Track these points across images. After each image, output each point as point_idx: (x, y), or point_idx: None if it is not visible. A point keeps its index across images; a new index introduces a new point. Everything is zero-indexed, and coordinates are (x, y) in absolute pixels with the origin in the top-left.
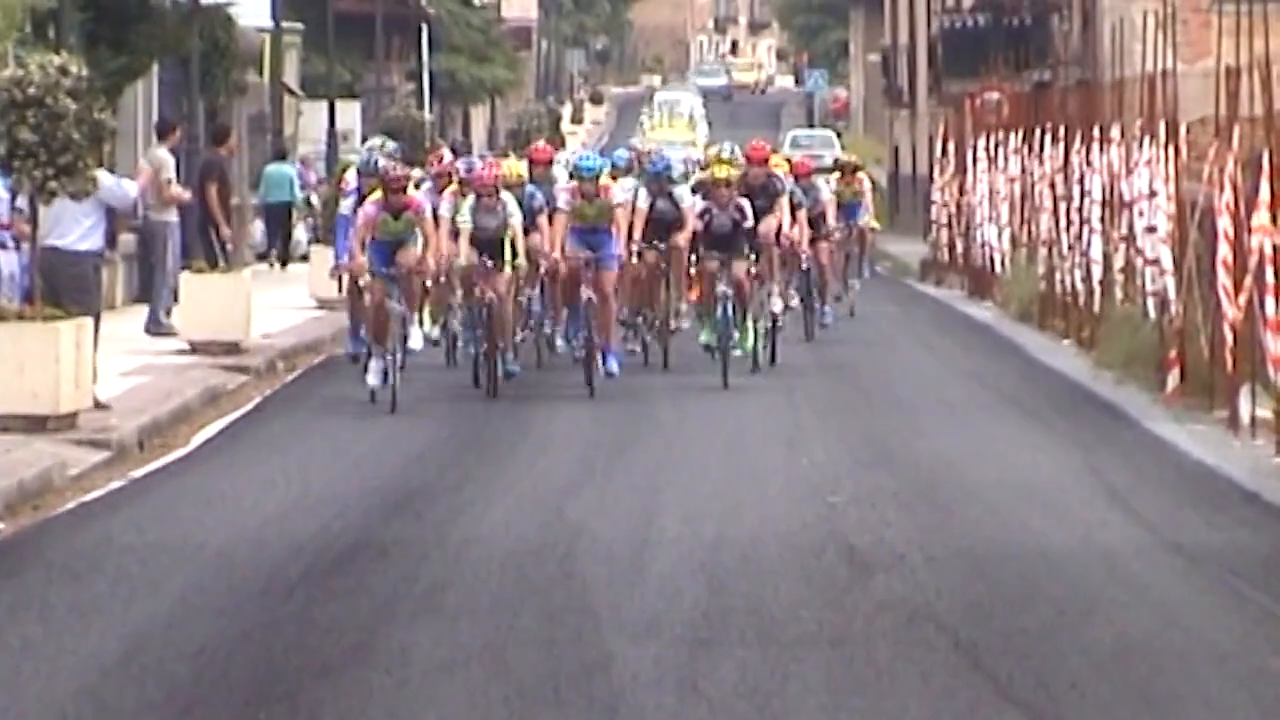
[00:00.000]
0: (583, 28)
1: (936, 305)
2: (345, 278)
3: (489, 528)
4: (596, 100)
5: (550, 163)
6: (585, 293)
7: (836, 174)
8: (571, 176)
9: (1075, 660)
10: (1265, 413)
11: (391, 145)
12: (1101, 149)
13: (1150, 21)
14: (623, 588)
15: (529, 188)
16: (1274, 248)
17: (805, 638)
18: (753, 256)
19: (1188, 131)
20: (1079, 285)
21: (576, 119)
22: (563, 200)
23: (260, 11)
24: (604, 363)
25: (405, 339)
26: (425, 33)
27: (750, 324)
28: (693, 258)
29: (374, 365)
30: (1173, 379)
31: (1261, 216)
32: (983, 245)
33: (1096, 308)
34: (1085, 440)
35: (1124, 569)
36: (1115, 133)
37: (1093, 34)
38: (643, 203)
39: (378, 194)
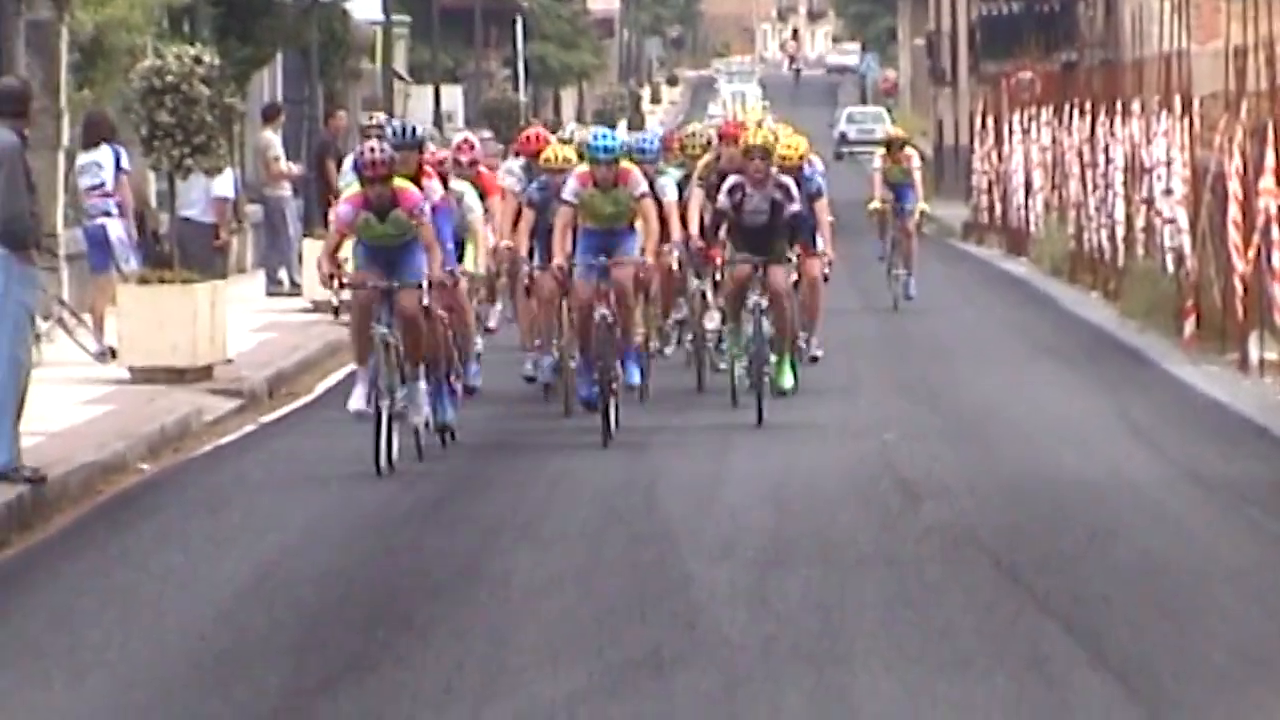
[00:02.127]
0: (659, 18)
1: (977, 262)
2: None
3: (579, 463)
4: (672, 83)
5: (538, 155)
6: (599, 310)
7: (883, 150)
8: (582, 159)
9: (1104, 578)
10: (1272, 355)
11: (381, 116)
12: (1123, 121)
13: (1166, 6)
14: (699, 517)
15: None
16: (1279, 208)
17: (862, 558)
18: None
19: (1200, 105)
20: (1105, 243)
21: (655, 99)
22: (569, 190)
23: (371, 5)
24: (623, 370)
25: (404, 396)
26: (520, 23)
27: (790, 355)
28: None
29: (357, 388)
30: (1189, 326)
31: (1267, 181)
32: (1018, 208)
33: (1120, 263)
34: (1111, 382)
35: (1147, 497)
36: (1136, 107)
37: (1115, 19)
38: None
39: (354, 187)
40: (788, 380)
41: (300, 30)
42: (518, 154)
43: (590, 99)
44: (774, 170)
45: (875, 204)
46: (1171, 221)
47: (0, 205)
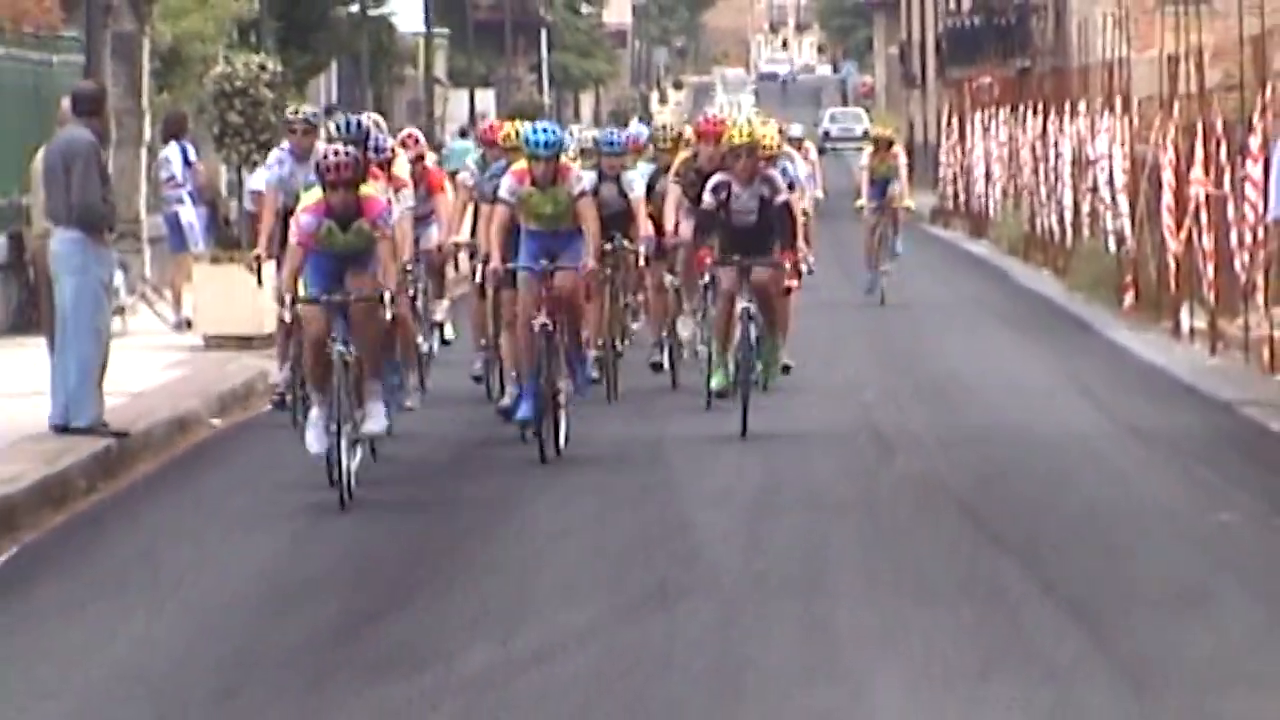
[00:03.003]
0: (666, 30)
1: (943, 244)
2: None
3: (596, 425)
4: (678, 86)
5: (494, 144)
6: (537, 320)
7: (870, 148)
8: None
9: (1055, 520)
10: (1200, 323)
11: (308, 109)
12: (1071, 120)
13: (1108, 20)
14: (697, 470)
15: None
16: (1206, 196)
17: (843, 505)
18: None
19: (1138, 106)
20: (1055, 226)
21: (662, 101)
22: (505, 188)
23: (415, 19)
24: (577, 377)
25: (362, 416)
26: (544, 34)
27: (776, 352)
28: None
29: (312, 419)
30: (1128, 298)
31: (1197, 172)
32: (979, 196)
33: (1068, 243)
34: (1060, 347)
35: (1092, 448)
36: (1081, 107)
37: (1063, 30)
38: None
39: (315, 194)
40: (776, 373)
41: (352, 41)
42: (478, 144)
43: (605, 101)
44: (761, 165)
45: (862, 201)
46: (1113, 207)
47: (76, 193)
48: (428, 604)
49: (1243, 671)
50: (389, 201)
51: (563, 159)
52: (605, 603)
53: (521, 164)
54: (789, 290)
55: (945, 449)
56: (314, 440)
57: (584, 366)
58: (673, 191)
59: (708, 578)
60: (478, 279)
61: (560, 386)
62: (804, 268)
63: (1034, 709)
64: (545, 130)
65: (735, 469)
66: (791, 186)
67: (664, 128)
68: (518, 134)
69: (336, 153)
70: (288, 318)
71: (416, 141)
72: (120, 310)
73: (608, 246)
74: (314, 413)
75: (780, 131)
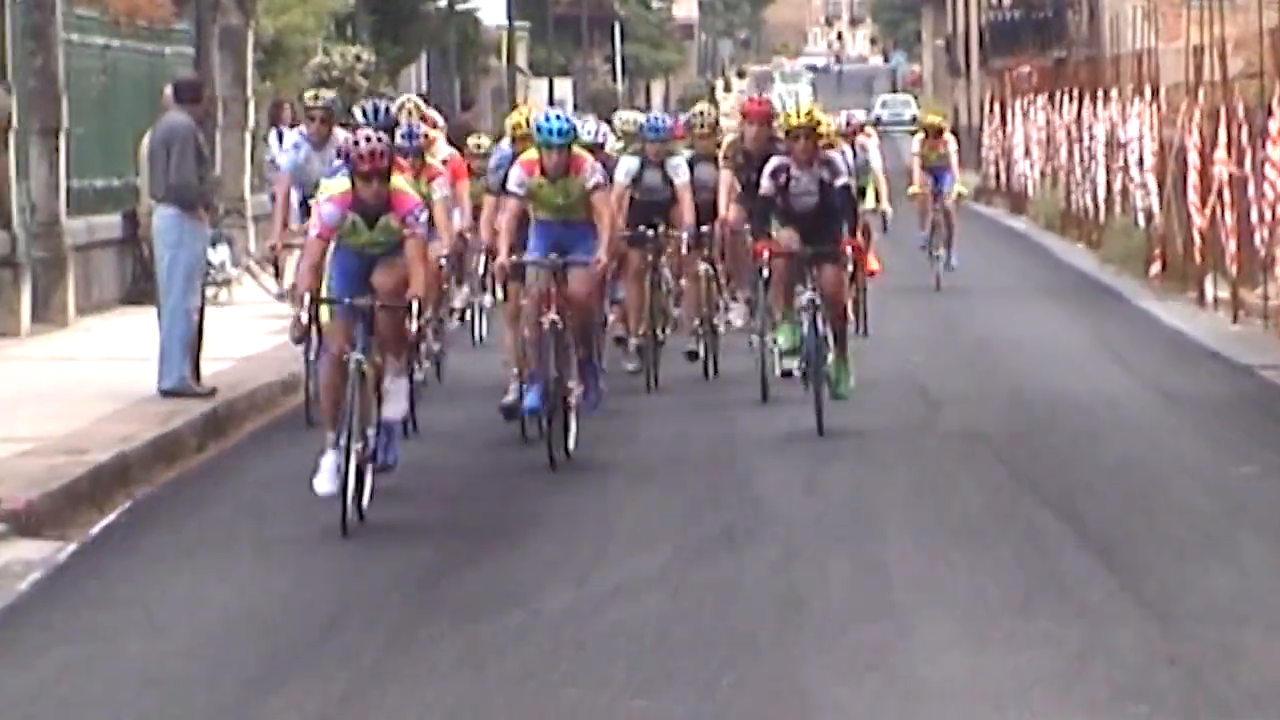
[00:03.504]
0: (730, 23)
1: (986, 220)
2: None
3: (674, 366)
4: (741, 76)
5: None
6: (547, 317)
7: (921, 135)
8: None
9: (1087, 473)
10: (1223, 293)
11: (327, 95)
12: (1104, 106)
13: (1138, 13)
14: (759, 422)
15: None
16: (1228, 175)
17: (893, 454)
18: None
19: (1165, 93)
20: (1088, 203)
21: (726, 89)
22: (514, 179)
23: (498, 12)
24: (590, 391)
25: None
26: (617, 27)
27: (848, 359)
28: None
29: (325, 463)
30: (1156, 269)
31: (1220, 154)
32: (1019, 176)
33: (1101, 219)
34: (1093, 314)
35: (1121, 407)
36: (1113, 94)
37: (1097, 23)
38: (623, 175)
39: (342, 183)
40: (850, 384)
41: (440, 33)
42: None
43: (674, 89)
44: (819, 148)
45: (915, 188)
46: (1143, 186)
47: (174, 174)
48: (511, 551)
49: (1261, 610)
50: (420, 199)
51: (576, 150)
52: (675, 546)
53: (531, 153)
54: (869, 273)
55: (986, 406)
56: (325, 480)
57: (597, 380)
58: (725, 176)
59: (771, 522)
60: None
61: (570, 387)
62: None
63: (1067, 643)
64: (558, 118)
65: (793, 422)
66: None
67: (700, 113)
68: (527, 122)
69: (369, 139)
70: (305, 318)
71: (434, 125)
72: (226, 282)
73: (649, 233)
74: (329, 455)
75: (848, 123)
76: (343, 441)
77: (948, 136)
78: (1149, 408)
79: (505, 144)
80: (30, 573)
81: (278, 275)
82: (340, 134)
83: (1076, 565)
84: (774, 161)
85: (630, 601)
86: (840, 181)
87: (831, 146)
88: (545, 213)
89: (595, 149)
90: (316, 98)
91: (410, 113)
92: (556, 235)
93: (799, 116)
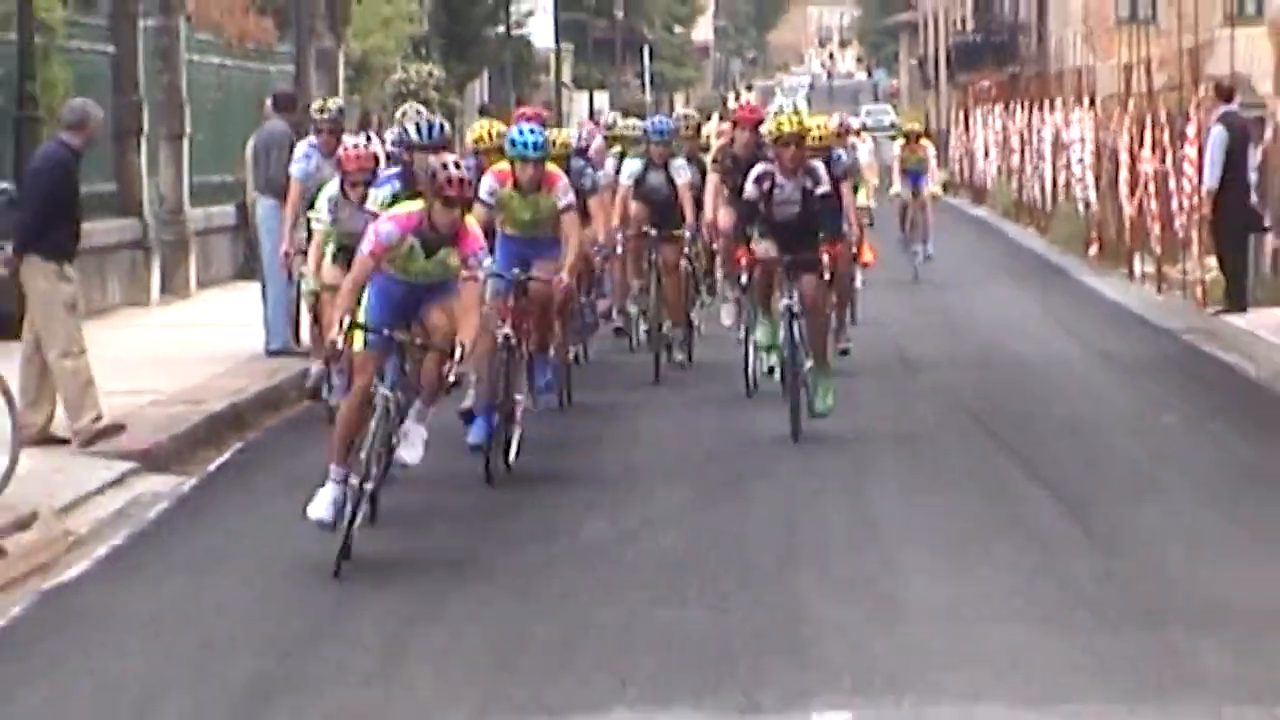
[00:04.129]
0: (740, 45)
1: (953, 209)
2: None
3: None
4: (749, 89)
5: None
6: (501, 330)
7: (901, 140)
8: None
9: (1040, 423)
10: (1150, 269)
11: (334, 107)
12: (1050, 113)
13: (1078, 37)
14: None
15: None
16: (1153, 171)
17: (877, 413)
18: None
19: (1101, 103)
20: (1038, 195)
21: (736, 100)
22: (485, 188)
23: (547, 37)
24: (536, 384)
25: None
26: (646, 49)
27: (828, 375)
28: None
29: (324, 494)
30: (1094, 250)
31: (1146, 153)
32: (980, 172)
33: (1049, 208)
34: (1042, 288)
35: (1067, 367)
36: (1058, 103)
37: (1044, 44)
38: (627, 178)
39: (411, 204)
40: (828, 401)
41: (499, 54)
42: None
43: (693, 100)
44: (805, 156)
45: (895, 189)
46: (1082, 181)
47: (273, 171)
48: (553, 490)
49: (1183, 535)
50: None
51: (550, 166)
52: (693, 490)
53: (503, 164)
54: (864, 263)
55: (955, 369)
56: (323, 508)
57: (544, 370)
58: (712, 179)
59: (772, 472)
60: None
61: (518, 400)
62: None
63: (1024, 566)
64: (532, 132)
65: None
66: (846, 175)
67: (685, 117)
68: (490, 135)
69: (458, 165)
70: (340, 343)
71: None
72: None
73: (653, 233)
74: (330, 487)
75: (841, 124)
76: (353, 479)
77: (926, 142)
78: (1090, 367)
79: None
80: (158, 503)
81: (289, 278)
82: (348, 141)
83: (1031, 502)
84: (760, 167)
85: (655, 533)
86: (821, 190)
87: (828, 147)
88: (512, 227)
89: (582, 151)
90: (323, 110)
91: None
92: (521, 249)
93: (789, 124)
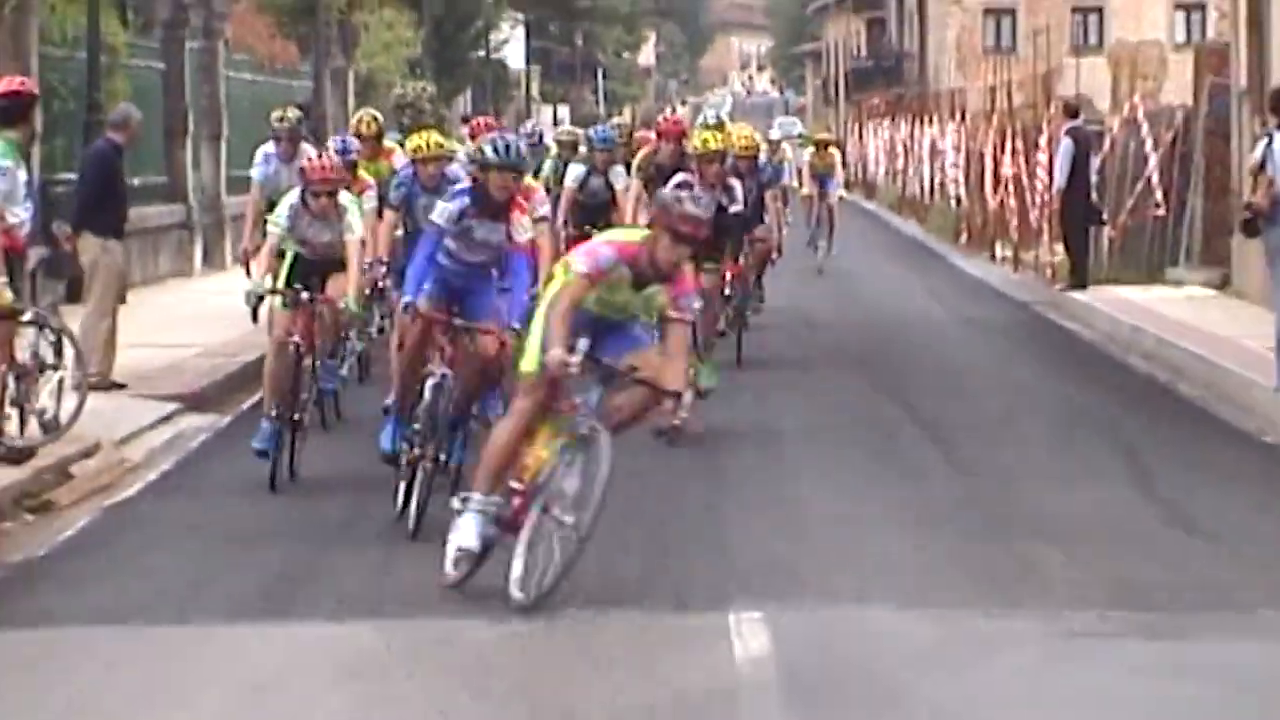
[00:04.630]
0: (675, 69)
1: (848, 204)
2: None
3: None
4: (683, 103)
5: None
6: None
7: (812, 148)
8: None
9: (920, 376)
10: (1008, 254)
11: (293, 115)
12: (928, 126)
13: (952, 63)
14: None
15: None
16: (1012, 174)
17: (785, 359)
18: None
19: (970, 118)
20: (918, 192)
21: (673, 113)
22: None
23: (519, 60)
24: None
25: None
26: (600, 70)
27: (710, 354)
28: None
29: (469, 522)
30: (963, 238)
31: (1006, 159)
32: (871, 173)
33: (927, 203)
34: (921, 268)
35: (941, 330)
36: (935, 118)
37: (925, 69)
38: (572, 181)
39: (634, 233)
40: (709, 379)
41: (480, 73)
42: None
43: (639, 113)
44: (726, 174)
45: (804, 190)
46: (954, 181)
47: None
48: None
49: (1033, 466)
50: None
51: (528, 180)
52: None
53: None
54: (764, 257)
55: (847, 328)
56: (469, 537)
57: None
58: (634, 186)
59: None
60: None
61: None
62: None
63: (900, 490)
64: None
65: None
66: (771, 182)
67: (617, 125)
68: (428, 145)
69: (696, 200)
70: (558, 367)
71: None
72: None
73: (593, 231)
74: (472, 519)
75: (768, 140)
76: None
77: (834, 150)
78: (958, 331)
79: (395, 161)
80: (199, 435)
81: (249, 275)
82: (306, 149)
83: (907, 436)
84: (679, 177)
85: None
86: (734, 209)
87: (755, 156)
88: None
89: (536, 144)
90: (282, 119)
91: (368, 124)
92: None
93: (714, 141)
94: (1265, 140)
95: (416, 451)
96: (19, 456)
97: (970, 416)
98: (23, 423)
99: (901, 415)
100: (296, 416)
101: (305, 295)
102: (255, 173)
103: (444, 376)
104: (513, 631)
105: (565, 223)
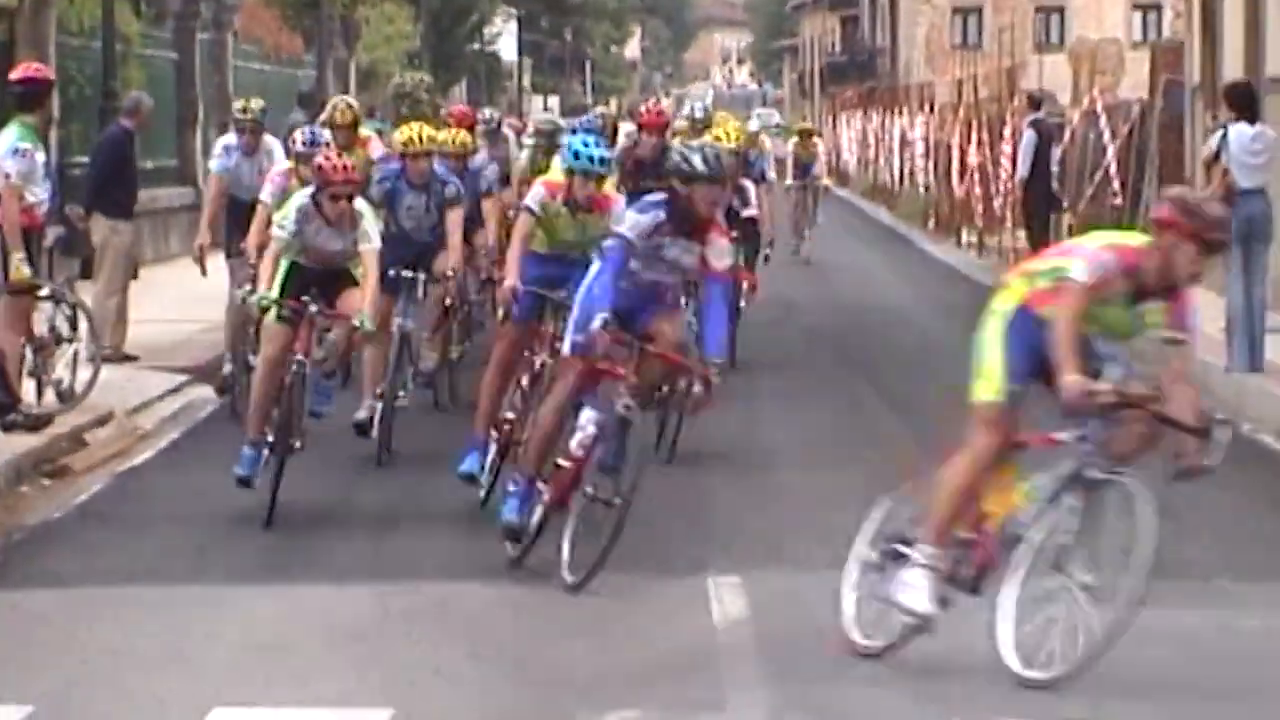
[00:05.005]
0: (660, 62)
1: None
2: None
3: None
4: (667, 95)
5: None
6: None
7: (796, 138)
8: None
9: (889, 351)
10: (973, 239)
11: (256, 106)
12: (899, 117)
13: (922, 58)
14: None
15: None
16: (977, 163)
17: (767, 340)
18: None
19: (938, 110)
20: (889, 180)
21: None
22: (534, 198)
23: (512, 52)
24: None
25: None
26: (588, 64)
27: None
28: None
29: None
30: (931, 223)
31: (972, 149)
32: (845, 162)
33: (896, 190)
34: (891, 252)
35: (909, 311)
36: (905, 110)
37: (896, 64)
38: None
39: (1131, 237)
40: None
41: (475, 65)
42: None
43: (625, 103)
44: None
45: (789, 181)
46: (923, 170)
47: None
48: None
49: None
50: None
51: (607, 187)
52: None
53: (557, 175)
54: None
55: (824, 311)
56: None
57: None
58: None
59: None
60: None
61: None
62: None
63: (869, 462)
64: (597, 145)
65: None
66: (762, 178)
67: (600, 115)
68: (420, 139)
69: (1206, 201)
70: (1080, 397)
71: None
72: None
73: None
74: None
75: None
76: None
77: (817, 140)
78: (923, 310)
79: (373, 150)
80: (206, 407)
81: (204, 273)
82: (269, 139)
83: (875, 411)
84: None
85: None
86: (749, 212)
87: (744, 150)
88: (545, 247)
89: (494, 130)
90: (245, 110)
91: (342, 112)
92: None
93: (728, 132)
94: (1220, 133)
95: (593, 491)
96: (36, 424)
97: (931, 389)
98: (40, 392)
99: (869, 388)
100: (293, 443)
101: (313, 309)
102: (214, 164)
103: (628, 407)
104: (505, 595)
105: None
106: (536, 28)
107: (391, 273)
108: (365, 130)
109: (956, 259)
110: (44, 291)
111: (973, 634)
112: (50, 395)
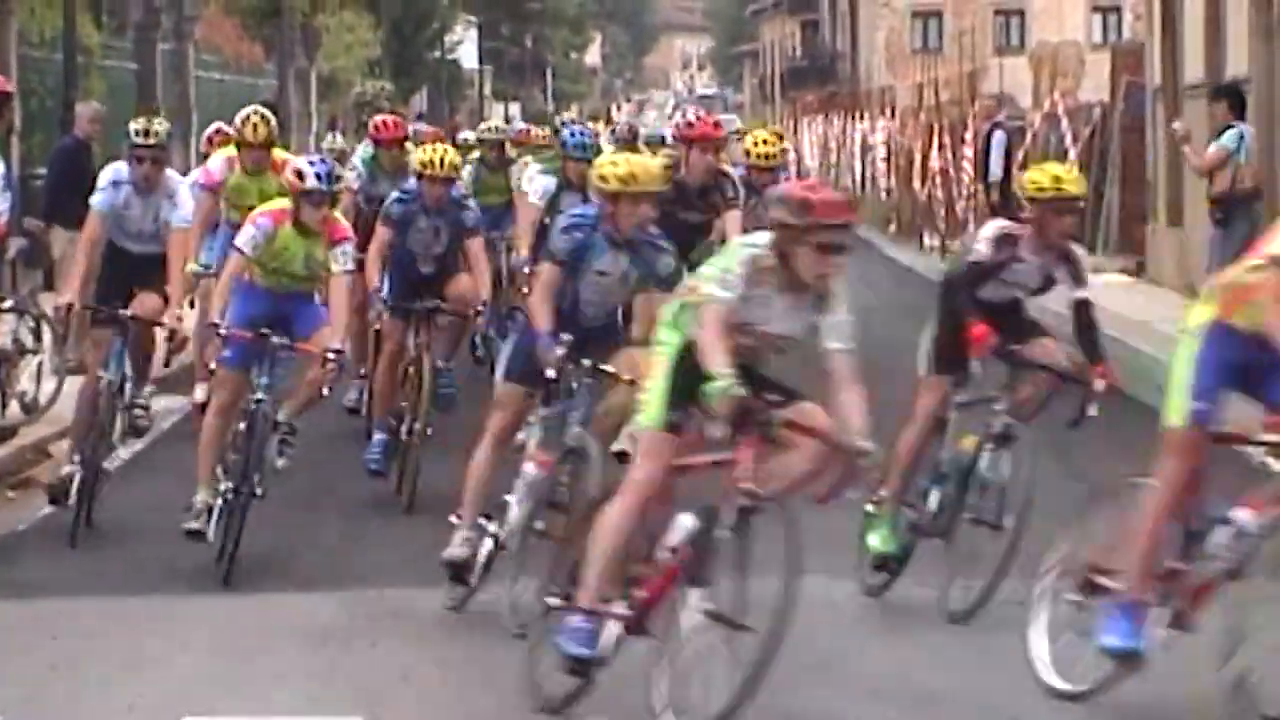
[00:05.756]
0: (620, 68)
1: None
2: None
3: None
4: (628, 100)
5: (395, 145)
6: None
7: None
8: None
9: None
10: (935, 243)
11: (161, 129)
12: (859, 122)
13: (882, 61)
14: None
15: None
16: (939, 167)
17: None
18: None
19: (899, 114)
20: (850, 184)
21: (618, 109)
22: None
23: (472, 60)
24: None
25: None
26: (549, 70)
27: None
28: None
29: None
30: (893, 227)
31: (933, 153)
32: (806, 168)
33: (858, 195)
34: (853, 257)
35: (870, 314)
36: (866, 114)
37: (856, 68)
38: (537, 196)
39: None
40: None
41: (436, 72)
42: (374, 142)
43: (585, 109)
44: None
45: None
46: (884, 174)
47: None
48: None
49: None
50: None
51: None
52: None
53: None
54: None
55: None
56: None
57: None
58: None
59: None
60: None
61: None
62: None
63: None
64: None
65: None
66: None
67: (627, 124)
68: (441, 163)
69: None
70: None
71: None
72: None
73: None
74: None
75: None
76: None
77: (786, 145)
78: (887, 315)
79: (372, 170)
80: (171, 416)
81: (65, 340)
82: (173, 175)
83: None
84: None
85: None
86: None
87: (776, 168)
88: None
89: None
90: (148, 131)
91: (255, 127)
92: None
93: (771, 145)
94: (1236, 132)
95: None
96: (0, 436)
97: (899, 394)
98: (4, 404)
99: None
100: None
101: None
102: (97, 199)
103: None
104: (472, 601)
105: (532, 256)
106: (497, 34)
107: (403, 301)
108: (282, 153)
109: (918, 262)
110: (7, 304)
111: (933, 639)
112: (14, 407)
